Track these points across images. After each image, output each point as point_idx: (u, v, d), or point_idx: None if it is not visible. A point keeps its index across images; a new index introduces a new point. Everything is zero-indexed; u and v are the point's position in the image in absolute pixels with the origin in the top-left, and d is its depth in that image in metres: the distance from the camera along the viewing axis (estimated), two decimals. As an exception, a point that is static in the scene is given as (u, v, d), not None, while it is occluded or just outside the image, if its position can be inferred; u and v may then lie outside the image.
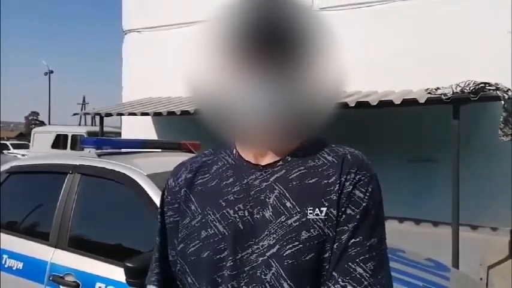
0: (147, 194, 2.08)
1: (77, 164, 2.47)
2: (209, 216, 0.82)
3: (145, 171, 2.22)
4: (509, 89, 3.86)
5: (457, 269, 3.64)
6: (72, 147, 11.31)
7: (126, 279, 1.79)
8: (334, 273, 0.74)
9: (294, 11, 0.72)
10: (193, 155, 3.26)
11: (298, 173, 0.80)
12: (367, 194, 0.77)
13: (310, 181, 0.79)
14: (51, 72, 34.50)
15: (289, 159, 0.81)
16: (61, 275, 2.17)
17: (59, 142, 11.65)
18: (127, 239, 2.24)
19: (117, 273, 1.95)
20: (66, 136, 11.69)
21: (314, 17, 0.74)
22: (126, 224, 2.29)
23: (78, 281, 2.10)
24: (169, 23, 6.82)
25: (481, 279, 4.21)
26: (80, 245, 2.27)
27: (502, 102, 3.89)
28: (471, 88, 3.86)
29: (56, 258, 2.24)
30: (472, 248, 4.34)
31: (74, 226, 2.32)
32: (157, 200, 2.03)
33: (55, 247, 2.29)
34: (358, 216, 0.75)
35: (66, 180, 2.42)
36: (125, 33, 7.48)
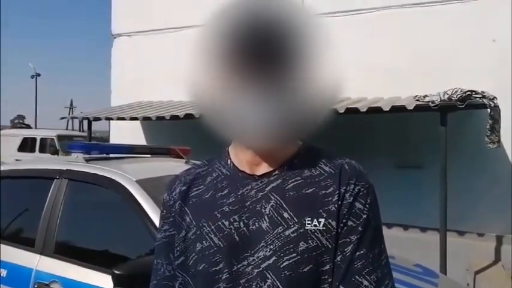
0: (136, 200, 2.06)
1: (64, 169, 2.43)
2: (204, 228, 0.81)
3: (135, 177, 2.19)
4: (495, 97, 3.93)
5: (445, 274, 3.68)
6: (41, 151, 11.44)
7: (113, 287, 1.76)
8: (341, 287, 0.74)
9: (289, 17, 0.71)
10: (183, 160, 3.18)
11: (294, 183, 0.79)
12: (367, 205, 0.77)
13: (307, 191, 0.78)
14: (39, 75, 34.11)
15: (285, 168, 0.80)
16: (46, 283, 2.12)
17: (27, 145, 11.71)
18: (115, 245, 2.21)
19: (104, 280, 1.92)
20: (34, 139, 11.74)
21: (309, 23, 0.73)
22: (114, 230, 2.26)
23: (64, 289, 2.06)
24: (159, 27, 6.81)
25: (468, 284, 4.25)
26: (67, 252, 2.22)
27: (488, 110, 3.96)
28: (458, 96, 3.92)
29: (42, 265, 2.20)
30: (459, 254, 4.39)
31: (60, 232, 2.27)
32: (146, 206, 2.01)
33: (40, 254, 2.24)
34: (360, 228, 0.76)
35: (52, 186, 2.38)
36: (114, 37, 7.44)
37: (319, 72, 0.73)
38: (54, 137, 11.55)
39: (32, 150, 11.51)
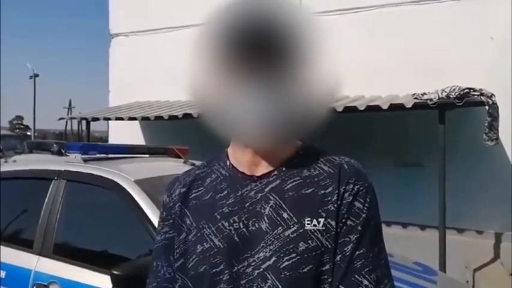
0: (135, 200, 2.05)
1: (62, 169, 2.42)
2: (205, 230, 0.81)
3: (133, 177, 2.19)
4: (493, 95, 3.93)
5: (444, 272, 3.68)
6: None
7: (112, 287, 1.76)
8: (341, 287, 0.74)
9: (287, 17, 0.71)
10: (181, 160, 3.18)
11: (294, 183, 0.79)
12: (366, 204, 0.77)
13: (306, 191, 0.78)
14: (37, 75, 33.96)
15: (284, 169, 0.80)
16: (45, 284, 2.12)
17: None
18: (113, 246, 2.21)
19: (103, 281, 1.91)
20: None
21: (307, 22, 0.73)
22: (112, 230, 2.26)
23: (63, 290, 2.06)
24: (156, 27, 6.80)
25: (467, 281, 4.26)
26: (65, 253, 2.22)
27: (487, 107, 3.97)
28: (456, 93, 3.92)
29: (40, 266, 2.19)
30: (458, 251, 4.39)
31: (59, 233, 2.27)
32: (144, 206, 2.01)
33: (39, 255, 2.24)
34: (359, 228, 0.76)
35: (51, 186, 2.37)
36: (112, 37, 7.42)
37: (317, 71, 0.73)
38: None
39: None
